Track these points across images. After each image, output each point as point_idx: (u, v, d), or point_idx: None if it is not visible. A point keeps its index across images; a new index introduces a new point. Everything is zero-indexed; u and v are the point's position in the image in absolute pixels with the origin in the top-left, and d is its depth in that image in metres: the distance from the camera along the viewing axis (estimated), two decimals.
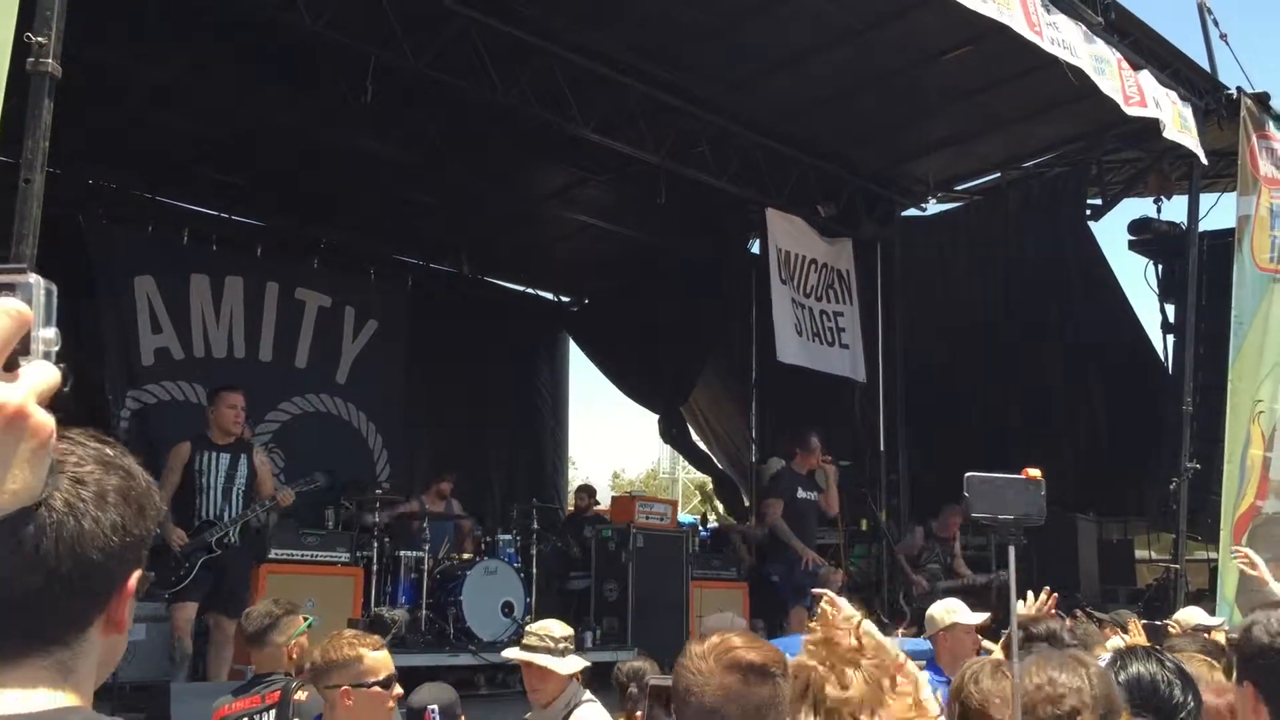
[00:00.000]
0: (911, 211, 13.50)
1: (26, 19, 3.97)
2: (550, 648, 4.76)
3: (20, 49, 3.93)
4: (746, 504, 14.79)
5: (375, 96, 9.02)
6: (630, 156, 11.00)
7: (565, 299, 16.71)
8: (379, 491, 10.21)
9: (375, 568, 9.53)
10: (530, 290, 16.25)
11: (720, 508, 17.28)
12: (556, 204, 13.17)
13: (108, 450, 1.28)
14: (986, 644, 5.04)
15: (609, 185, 12.70)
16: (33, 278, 0.80)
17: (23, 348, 0.79)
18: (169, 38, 9.13)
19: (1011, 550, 2.74)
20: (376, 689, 3.68)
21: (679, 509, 13.94)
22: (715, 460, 15.57)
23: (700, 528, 14.73)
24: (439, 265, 14.78)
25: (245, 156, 11.42)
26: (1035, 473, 2.80)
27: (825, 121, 11.19)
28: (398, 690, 3.81)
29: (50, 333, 0.81)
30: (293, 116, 10.55)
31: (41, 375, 0.79)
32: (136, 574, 1.28)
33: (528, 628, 4.95)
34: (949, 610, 5.36)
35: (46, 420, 0.79)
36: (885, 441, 12.59)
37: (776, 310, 11.43)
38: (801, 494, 10.44)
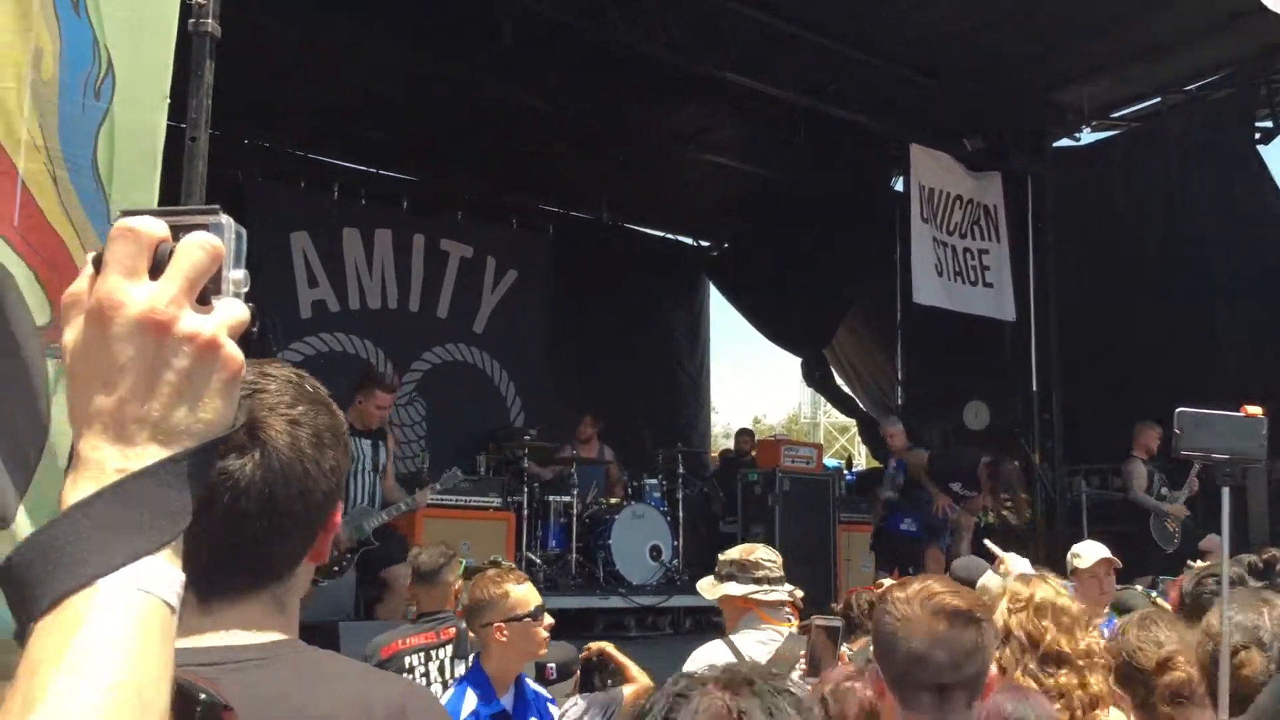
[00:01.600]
0: (1065, 142, 12.95)
1: None
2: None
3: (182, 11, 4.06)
4: None
5: (512, 47, 9.07)
6: (767, 95, 10.82)
7: (704, 243, 16.63)
8: (528, 438, 10.38)
9: (526, 512, 9.73)
10: (669, 235, 16.22)
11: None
12: (693, 147, 13.07)
13: (307, 385, 1.31)
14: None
15: (746, 126, 12.55)
16: (224, 218, 0.82)
17: (214, 286, 0.80)
18: None
19: (1225, 493, 2.59)
20: (527, 620, 3.77)
21: (823, 453, 13.81)
22: (860, 403, 15.38)
23: (845, 471, 14.61)
24: (579, 213, 14.85)
25: (390, 112, 11.63)
26: (1256, 410, 2.63)
27: (971, 51, 10.77)
28: (548, 620, 3.89)
29: (240, 274, 0.83)
30: (433, 70, 10.68)
31: (233, 311, 0.81)
32: (340, 506, 1.32)
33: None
34: (1086, 553, 5.20)
35: (237, 353, 0.80)
36: (1038, 381, 12.21)
37: (915, 250, 11.16)
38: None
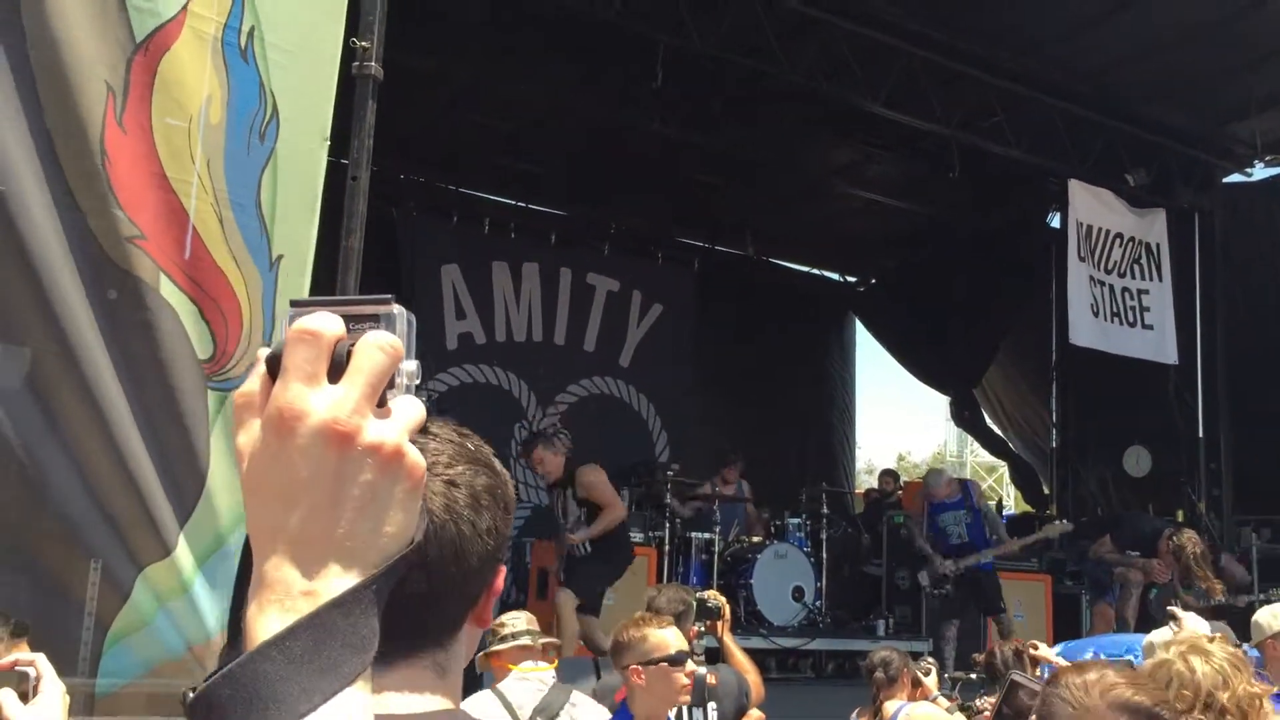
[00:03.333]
0: (1235, 177, 12.36)
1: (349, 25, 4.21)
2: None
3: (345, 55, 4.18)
4: (1045, 491, 14.07)
5: (664, 83, 9.12)
6: (920, 129, 10.64)
7: (851, 279, 16.39)
8: (670, 473, 10.33)
9: (668, 548, 9.66)
10: (816, 270, 16.05)
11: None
12: (843, 181, 12.92)
13: (469, 445, 1.27)
14: None
15: (897, 160, 12.35)
16: (396, 309, 0.78)
17: (389, 382, 0.76)
18: (467, 38, 9.56)
19: None
20: (664, 665, 3.71)
21: None
22: (1010, 444, 14.89)
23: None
24: (724, 248, 14.81)
25: (539, 146, 11.82)
26: None
27: (1134, 82, 10.39)
28: (690, 667, 3.81)
29: (412, 365, 0.79)
30: (583, 105, 10.82)
31: (411, 411, 0.77)
32: (503, 570, 1.28)
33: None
34: (1278, 615, 4.83)
35: (420, 460, 0.77)
36: (1205, 428, 11.62)
37: (1072, 289, 10.75)
38: None
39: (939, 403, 14.94)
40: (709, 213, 13.73)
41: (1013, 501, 19.67)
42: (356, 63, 4.03)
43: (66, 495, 3.91)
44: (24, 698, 1.82)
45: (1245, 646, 5.24)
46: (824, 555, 10.50)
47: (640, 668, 3.70)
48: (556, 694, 4.03)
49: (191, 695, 0.71)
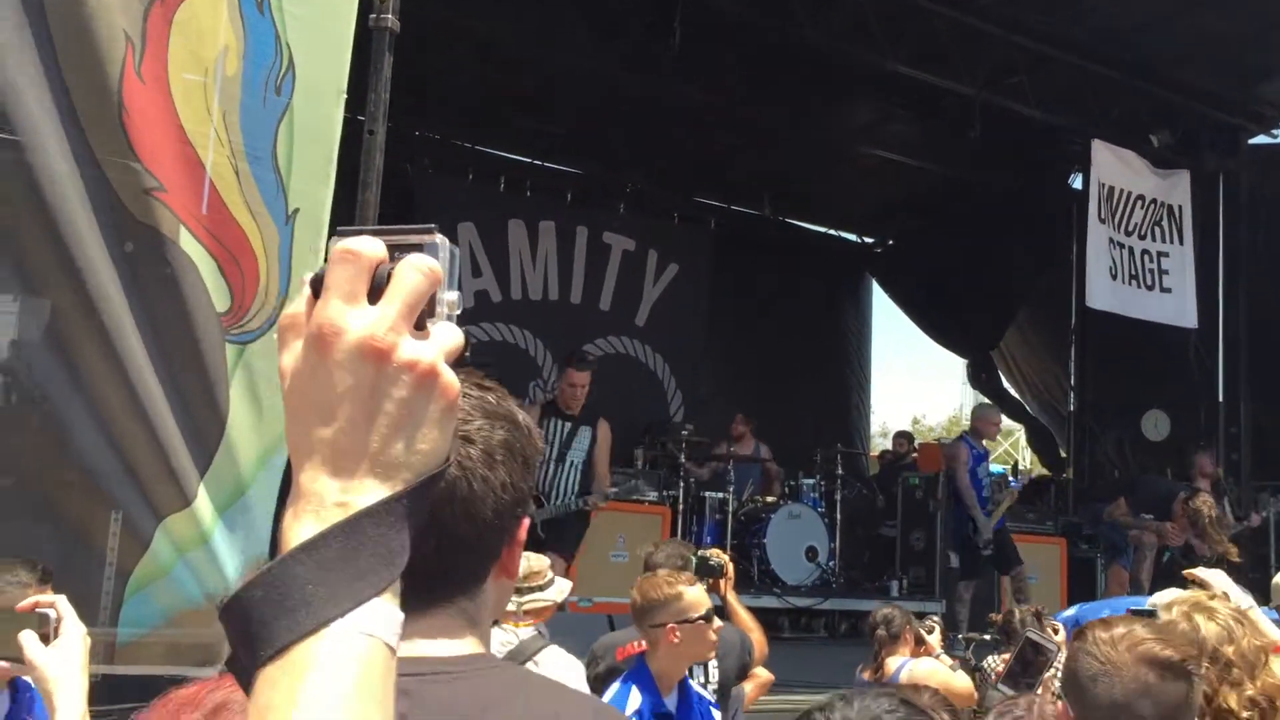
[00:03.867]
0: (1261, 139, 12.22)
1: None
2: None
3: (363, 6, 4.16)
4: (1062, 454, 14.05)
5: (683, 42, 9.04)
6: (941, 89, 10.54)
7: (869, 240, 16.31)
8: (684, 433, 10.35)
9: (681, 507, 9.70)
10: (832, 231, 15.96)
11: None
12: (862, 141, 12.83)
13: (490, 398, 1.28)
14: None
15: (917, 120, 12.25)
16: (439, 238, 0.80)
17: (429, 309, 0.78)
18: None
19: None
20: (700, 623, 3.73)
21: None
22: (1027, 408, 14.86)
23: (1010, 478, 14.13)
24: (741, 208, 14.74)
25: (557, 105, 11.76)
26: None
27: (1161, 42, 10.24)
28: (717, 623, 3.84)
29: (453, 295, 0.80)
30: (601, 64, 10.76)
31: (449, 336, 0.79)
32: (525, 522, 1.29)
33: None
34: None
35: (454, 381, 0.78)
36: (1225, 392, 11.55)
37: (1091, 251, 10.68)
38: None
39: (955, 366, 14.94)
40: (726, 173, 13.65)
41: (1029, 465, 19.64)
42: (373, 15, 4.01)
43: (87, 446, 3.95)
44: (45, 639, 1.85)
45: (1266, 609, 5.23)
46: (838, 516, 10.55)
47: (676, 626, 3.72)
48: (530, 643, 4.04)
49: (225, 598, 0.73)
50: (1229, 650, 2.59)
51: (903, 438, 13.67)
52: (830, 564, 10.13)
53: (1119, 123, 11.13)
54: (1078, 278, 12.39)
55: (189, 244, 3.77)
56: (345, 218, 4.32)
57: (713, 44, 10.01)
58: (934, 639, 5.27)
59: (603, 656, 4.32)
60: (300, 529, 0.73)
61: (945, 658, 5.21)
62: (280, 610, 0.70)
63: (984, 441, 10.31)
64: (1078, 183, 12.62)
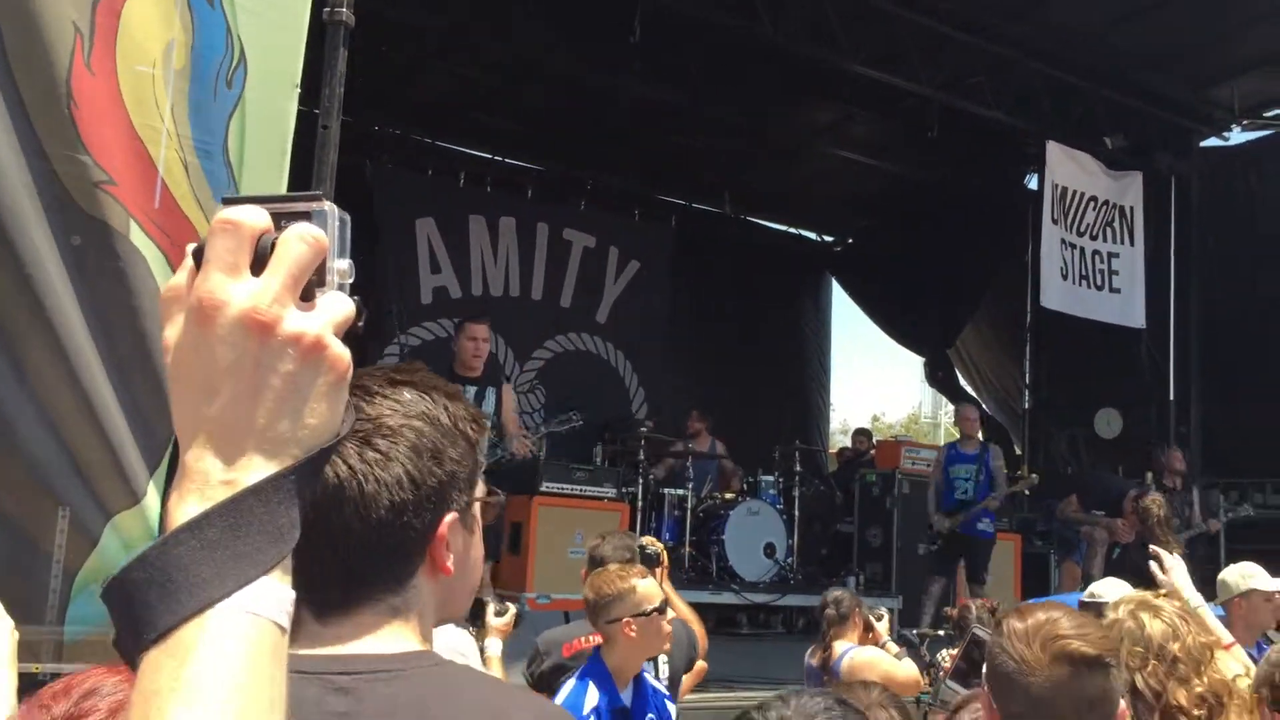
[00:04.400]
0: (1213, 141, 12.39)
1: None
2: None
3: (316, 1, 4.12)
4: (1018, 452, 14.18)
5: (641, 38, 9.04)
6: (901, 90, 10.60)
7: (829, 238, 16.40)
8: (643, 430, 10.36)
9: (641, 504, 9.71)
10: (793, 230, 16.03)
11: None
12: (822, 141, 12.89)
13: (405, 394, 1.27)
14: None
15: (877, 121, 12.32)
16: (327, 205, 0.77)
17: (318, 279, 0.76)
18: None
19: None
20: (654, 615, 3.74)
21: None
22: (984, 405, 14.97)
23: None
24: (702, 205, 14.77)
25: (516, 101, 11.72)
26: None
27: (1117, 46, 10.36)
28: (670, 614, 3.84)
29: (345, 264, 0.78)
30: (561, 61, 10.73)
31: (338, 307, 0.76)
32: (448, 518, 1.27)
33: None
34: (1245, 575, 4.88)
35: (343, 353, 0.76)
36: (1175, 391, 11.72)
37: (1044, 251, 10.84)
38: None
39: (914, 365, 14.99)
40: (687, 170, 13.67)
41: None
42: (328, 8, 3.98)
43: (35, 443, 3.89)
44: None
45: (1211, 605, 5.32)
46: (796, 513, 10.58)
47: (633, 620, 3.71)
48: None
49: (106, 579, 0.71)
50: (1175, 647, 2.62)
51: (862, 435, 13.76)
52: (788, 560, 10.17)
53: (1075, 125, 11.25)
54: (1033, 277, 12.52)
55: (138, 238, 3.72)
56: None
57: (673, 42, 10.02)
58: (882, 626, 5.33)
59: (548, 653, 4.27)
60: (184, 509, 0.71)
61: (892, 646, 5.26)
62: (162, 592, 0.68)
63: (962, 439, 10.31)
64: (1034, 183, 12.74)
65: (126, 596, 0.69)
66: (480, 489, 1.33)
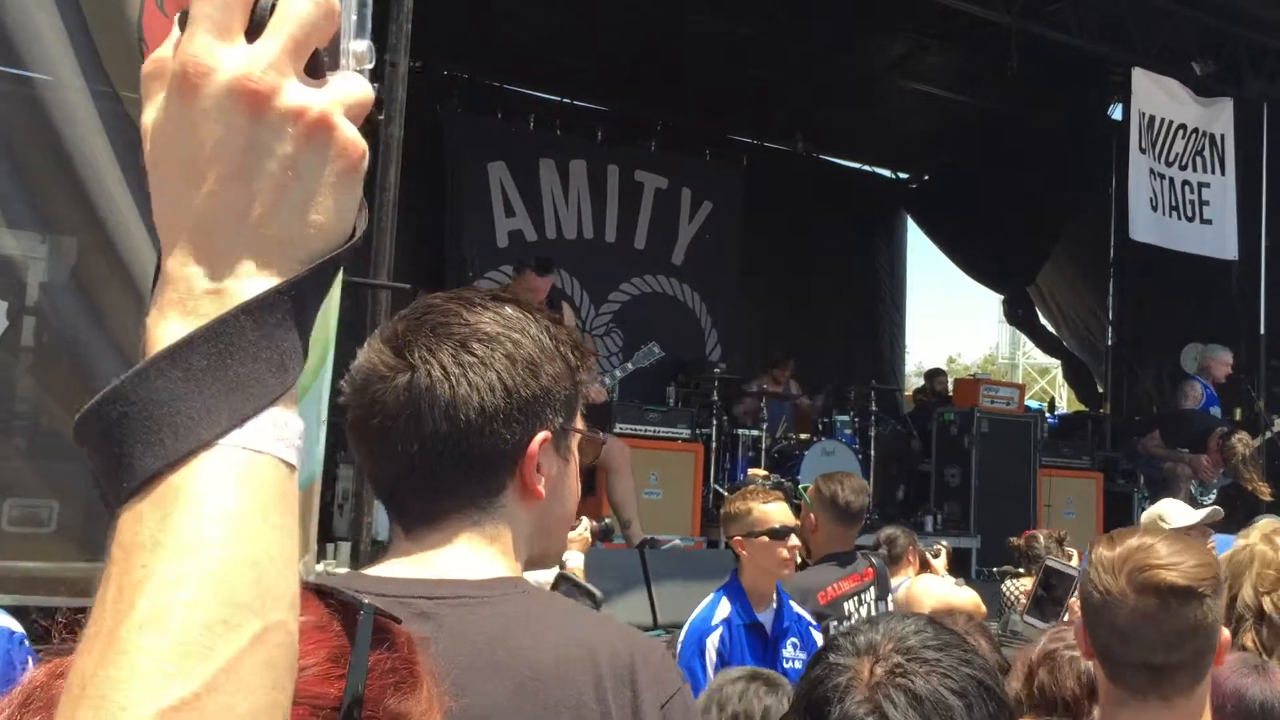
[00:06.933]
0: None
1: None
2: None
3: None
4: (1100, 390, 13.90)
5: None
6: (977, 18, 10.28)
7: (904, 175, 16.07)
8: (717, 371, 10.31)
9: (714, 445, 9.69)
10: (867, 167, 15.74)
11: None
12: (896, 75, 12.59)
13: (506, 309, 1.24)
14: None
15: (953, 52, 12.02)
16: None
17: (331, 60, 0.65)
18: None
19: None
20: (763, 539, 3.79)
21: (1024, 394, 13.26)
22: (1064, 343, 14.70)
23: (1047, 414, 14.01)
24: (773, 144, 14.55)
25: (585, 42, 11.59)
26: None
27: None
28: (793, 541, 3.85)
29: (362, 46, 0.67)
30: None
31: (352, 87, 0.65)
32: (540, 435, 1.24)
33: None
34: (1161, 515, 4.73)
35: (356, 138, 0.64)
36: (1266, 324, 11.33)
37: (1132, 183, 10.47)
38: None
39: (990, 305, 14.73)
40: (758, 109, 13.43)
41: (1065, 401, 19.48)
42: None
43: None
44: None
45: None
46: (872, 453, 10.49)
47: (743, 539, 3.82)
48: None
49: (77, 416, 0.59)
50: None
51: (936, 374, 13.56)
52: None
53: (1161, 51, 10.84)
54: (1116, 211, 12.17)
55: None
56: (370, 153, 4.25)
57: None
58: (939, 563, 5.26)
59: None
60: (166, 328, 0.59)
61: (948, 578, 5.17)
62: (142, 432, 0.57)
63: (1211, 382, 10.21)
64: (1117, 113, 12.35)
65: (101, 437, 0.58)
66: (581, 423, 1.30)
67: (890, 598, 4.54)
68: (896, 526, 5.52)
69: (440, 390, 1.17)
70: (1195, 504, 8.40)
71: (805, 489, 4.86)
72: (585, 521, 4.56)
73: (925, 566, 5.17)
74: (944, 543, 5.65)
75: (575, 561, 4.32)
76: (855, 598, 4.37)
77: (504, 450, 1.22)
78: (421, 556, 1.21)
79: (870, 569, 4.44)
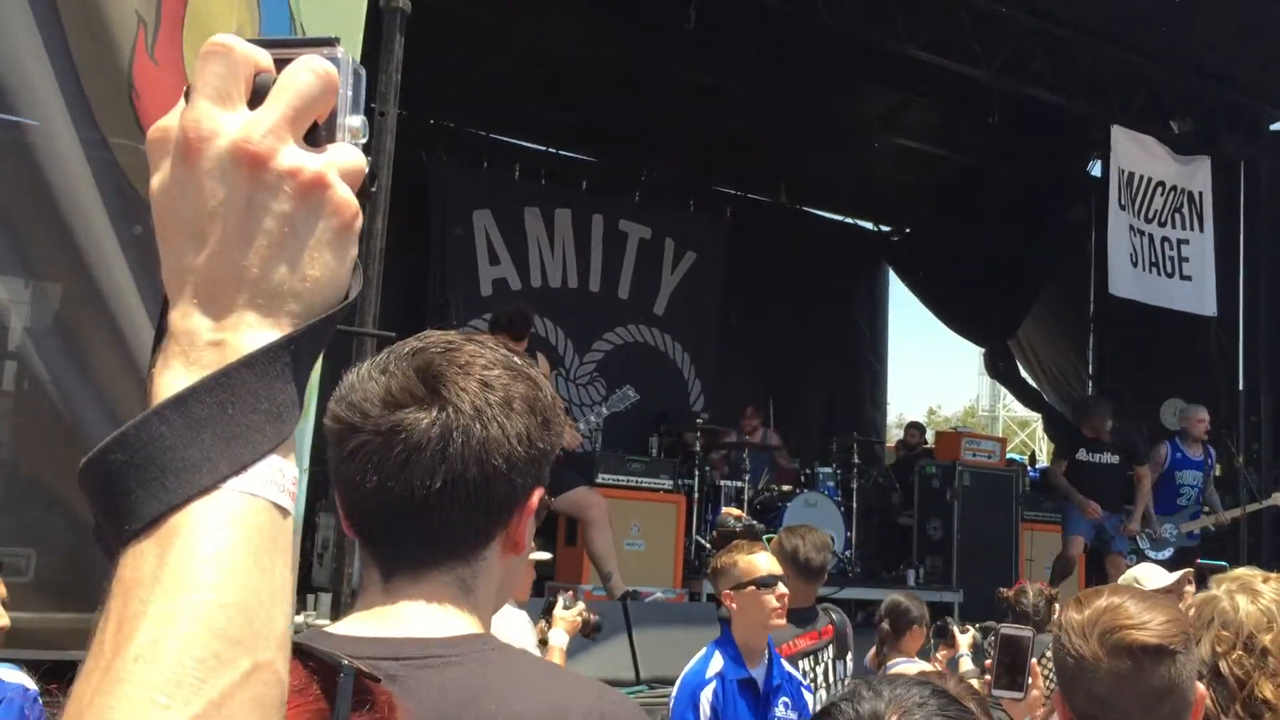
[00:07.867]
0: None
1: None
2: None
3: None
4: None
5: (697, 28, 8.98)
6: (959, 74, 10.43)
7: (885, 228, 16.18)
8: (699, 421, 10.31)
9: (697, 495, 9.65)
10: (849, 219, 15.85)
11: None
12: (879, 129, 12.74)
13: (515, 359, 1.23)
14: None
15: (935, 107, 12.17)
16: (341, 51, 0.69)
17: (328, 133, 0.68)
18: None
19: None
20: (751, 588, 3.77)
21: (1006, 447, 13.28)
22: (1045, 396, 14.75)
23: (1029, 467, 14.04)
24: (757, 195, 14.65)
25: (569, 92, 11.68)
26: None
27: (1184, 24, 10.08)
28: (781, 589, 3.82)
29: (357, 121, 0.70)
30: (615, 50, 10.69)
31: (347, 155, 0.68)
32: (538, 492, 1.23)
33: None
34: (1137, 578, 4.70)
35: (350, 198, 0.68)
36: (1245, 380, 11.43)
37: (1112, 238, 10.59)
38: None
39: (971, 357, 14.79)
40: (741, 160, 13.54)
41: (1046, 455, 19.53)
42: None
43: (98, 433, 3.91)
44: None
45: None
46: (854, 505, 10.47)
47: (731, 592, 3.80)
48: None
49: (82, 462, 0.62)
50: (1266, 639, 2.49)
51: (914, 428, 13.59)
52: (847, 553, 10.06)
53: (1139, 109, 11.01)
54: (1096, 266, 12.28)
55: None
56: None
57: (728, 28, 9.93)
58: (965, 640, 4.81)
59: None
60: (170, 376, 0.63)
61: (966, 662, 4.69)
62: (144, 477, 0.61)
63: (1191, 442, 10.13)
64: (1096, 170, 12.50)
65: (104, 481, 0.62)
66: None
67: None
68: (906, 595, 5.02)
69: (474, 430, 1.15)
70: (1143, 556, 8.50)
71: (769, 539, 4.76)
72: (581, 605, 4.48)
73: (947, 644, 4.76)
74: (970, 626, 5.16)
75: (558, 641, 4.25)
76: (812, 655, 4.35)
77: (513, 501, 1.21)
78: (392, 609, 1.19)
79: (830, 626, 4.41)
